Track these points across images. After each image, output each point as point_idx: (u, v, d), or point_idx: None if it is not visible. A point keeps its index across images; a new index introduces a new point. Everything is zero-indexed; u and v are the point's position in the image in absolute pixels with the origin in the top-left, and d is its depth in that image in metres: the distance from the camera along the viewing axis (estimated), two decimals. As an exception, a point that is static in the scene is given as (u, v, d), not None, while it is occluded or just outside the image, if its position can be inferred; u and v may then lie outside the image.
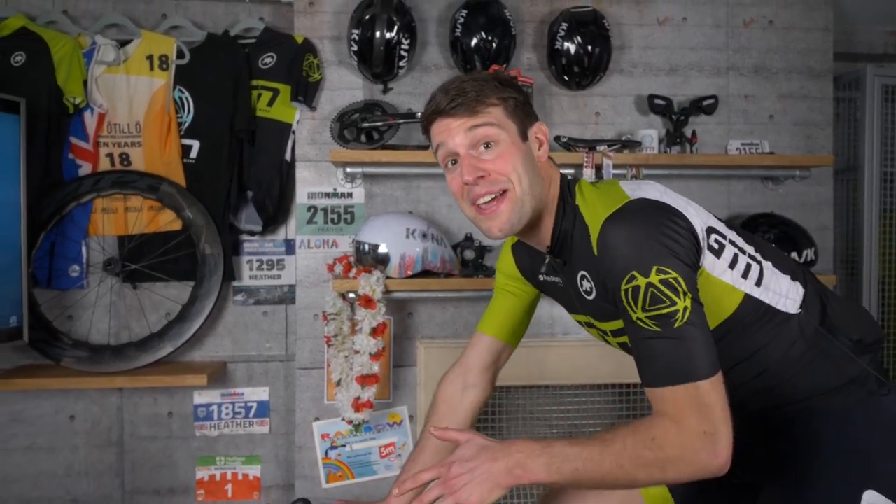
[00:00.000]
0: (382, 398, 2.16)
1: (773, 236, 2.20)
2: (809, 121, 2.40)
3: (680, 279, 0.95)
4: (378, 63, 2.09)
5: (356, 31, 2.08)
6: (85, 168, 2.16)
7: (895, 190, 2.70)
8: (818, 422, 1.11)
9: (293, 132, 2.22)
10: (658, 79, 2.34)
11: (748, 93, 2.38)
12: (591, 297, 1.14)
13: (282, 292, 2.34)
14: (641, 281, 0.95)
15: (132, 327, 2.24)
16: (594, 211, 1.07)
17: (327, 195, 2.24)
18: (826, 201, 2.41)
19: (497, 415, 2.32)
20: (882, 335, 1.20)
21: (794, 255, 2.18)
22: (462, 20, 2.12)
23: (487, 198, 1.10)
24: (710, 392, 0.93)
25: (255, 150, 2.21)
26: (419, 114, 1.51)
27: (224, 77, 2.16)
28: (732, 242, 1.10)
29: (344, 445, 2.21)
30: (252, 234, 2.30)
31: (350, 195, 2.25)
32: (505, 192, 1.09)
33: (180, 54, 2.18)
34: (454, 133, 1.10)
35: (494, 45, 2.12)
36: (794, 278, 1.15)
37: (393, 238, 2.01)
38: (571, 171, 2.17)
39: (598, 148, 2.14)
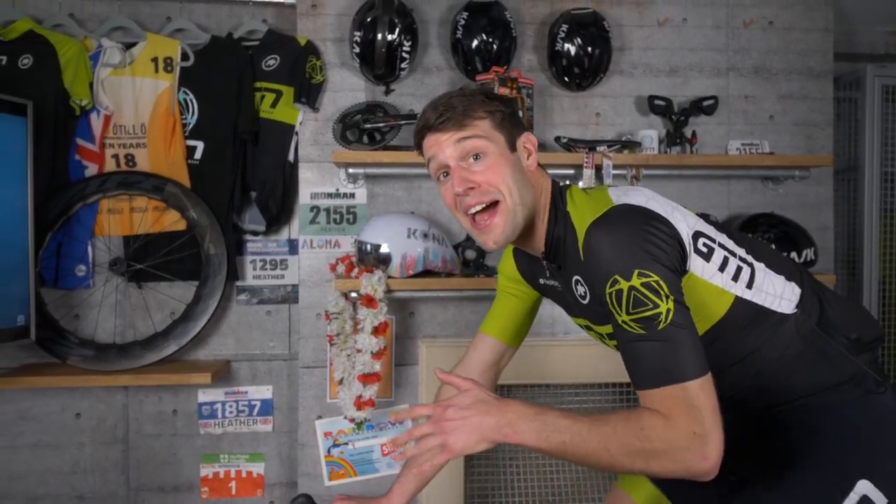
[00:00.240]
0: (384, 396, 2.18)
1: (772, 236, 2.21)
2: (809, 121, 2.41)
3: (661, 282, 0.97)
4: (380, 65, 2.11)
5: (358, 34, 2.10)
6: (91, 169, 2.19)
7: (895, 190, 2.70)
8: (815, 418, 1.13)
9: (296, 133, 2.24)
10: (658, 80, 2.35)
11: (748, 93, 2.39)
12: (585, 301, 1.16)
13: (285, 292, 2.36)
14: (624, 284, 0.97)
15: (137, 326, 2.27)
16: (582, 217, 1.10)
17: (330, 196, 2.26)
18: (826, 201, 2.42)
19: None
20: (881, 333, 1.21)
21: (793, 255, 2.18)
22: (463, 22, 2.14)
23: (479, 207, 1.13)
24: (699, 394, 0.94)
25: (258, 152, 2.23)
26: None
27: (228, 79, 2.19)
28: (722, 245, 1.11)
29: (346, 443, 2.23)
30: (255, 234, 2.32)
31: (352, 195, 2.27)
32: (496, 203, 1.13)
33: (185, 56, 2.20)
34: (444, 146, 1.13)
35: (495, 46, 2.13)
36: (789, 278, 1.16)
37: (394, 238, 2.03)
38: (571, 171, 2.19)
39: (598, 148, 2.15)
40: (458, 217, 1.17)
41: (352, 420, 2.04)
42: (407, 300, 2.23)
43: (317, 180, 2.25)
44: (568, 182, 1.28)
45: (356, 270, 2.04)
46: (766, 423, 1.18)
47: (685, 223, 1.08)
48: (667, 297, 0.96)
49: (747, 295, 1.11)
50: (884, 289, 2.70)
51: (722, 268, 1.09)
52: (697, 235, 1.08)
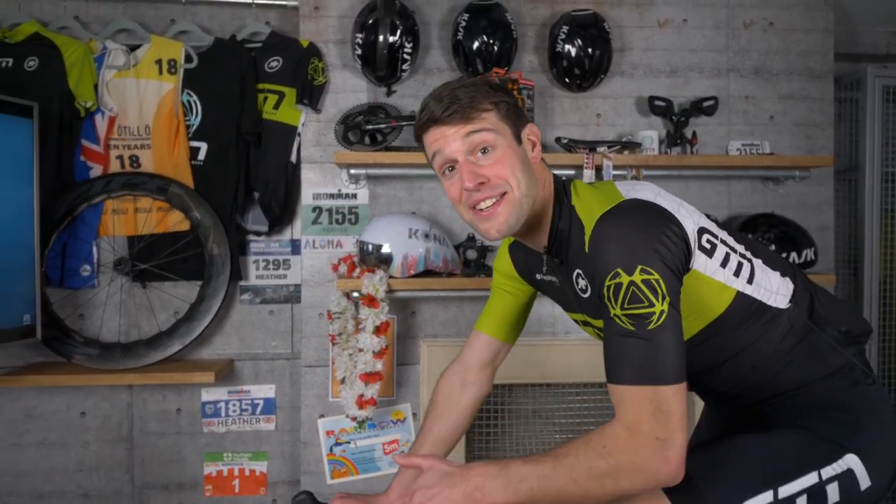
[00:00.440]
0: (386, 395, 2.20)
1: (773, 236, 2.21)
2: (810, 121, 2.41)
3: (661, 282, 0.97)
4: (381, 66, 2.13)
5: (360, 35, 2.11)
6: (96, 170, 2.21)
7: (896, 190, 2.71)
8: (810, 404, 1.14)
9: (298, 134, 2.26)
10: (658, 80, 2.36)
11: (748, 94, 2.39)
12: (586, 295, 1.16)
13: (287, 291, 2.38)
14: (624, 278, 0.97)
15: (142, 325, 2.29)
16: (590, 209, 1.09)
17: (332, 196, 2.27)
18: (826, 201, 2.42)
19: (500, 413, 2.35)
20: (869, 328, 1.22)
21: (793, 255, 2.19)
22: (464, 24, 2.15)
23: (489, 202, 1.11)
24: (672, 399, 0.94)
25: (261, 152, 2.24)
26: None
27: (231, 80, 2.20)
28: (724, 242, 1.12)
29: (348, 442, 2.25)
30: (258, 234, 2.34)
31: (354, 196, 2.28)
32: (504, 194, 1.11)
33: (188, 58, 2.22)
34: (451, 140, 1.10)
35: (496, 48, 2.14)
36: (783, 274, 1.17)
37: (396, 238, 2.04)
38: (572, 171, 2.20)
39: (598, 149, 2.16)
40: (461, 210, 1.15)
41: (354, 419, 2.06)
42: (408, 300, 2.24)
43: (319, 181, 2.27)
44: (569, 176, 1.28)
45: (358, 270, 2.06)
46: (759, 417, 1.19)
47: (690, 220, 1.08)
48: (663, 298, 0.96)
49: (748, 290, 1.11)
50: (885, 289, 2.69)
51: (724, 263, 1.10)
52: (702, 231, 1.09)
